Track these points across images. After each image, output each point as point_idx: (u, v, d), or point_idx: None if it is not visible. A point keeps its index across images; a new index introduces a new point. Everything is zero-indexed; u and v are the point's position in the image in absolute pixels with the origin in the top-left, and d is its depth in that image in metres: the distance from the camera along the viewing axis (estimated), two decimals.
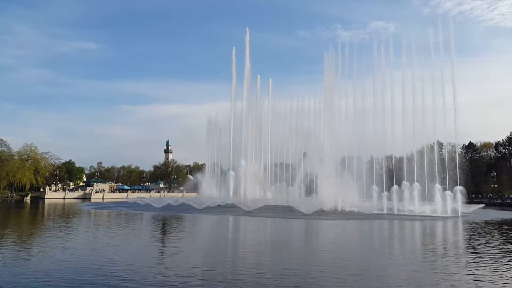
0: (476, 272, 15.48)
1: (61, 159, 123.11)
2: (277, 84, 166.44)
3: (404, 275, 15.31)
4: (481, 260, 18.30)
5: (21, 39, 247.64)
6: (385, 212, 53.25)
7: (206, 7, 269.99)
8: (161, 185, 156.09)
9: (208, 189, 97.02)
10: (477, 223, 39.14)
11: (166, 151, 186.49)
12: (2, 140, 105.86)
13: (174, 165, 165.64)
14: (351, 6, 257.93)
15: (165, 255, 20.28)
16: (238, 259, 19.07)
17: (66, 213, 53.12)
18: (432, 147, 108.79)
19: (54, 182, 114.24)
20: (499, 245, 23.99)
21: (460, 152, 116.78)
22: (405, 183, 59.03)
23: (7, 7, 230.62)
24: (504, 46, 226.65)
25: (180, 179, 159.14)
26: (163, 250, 22.11)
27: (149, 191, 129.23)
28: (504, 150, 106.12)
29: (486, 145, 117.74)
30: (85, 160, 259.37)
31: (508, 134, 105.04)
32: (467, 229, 34.42)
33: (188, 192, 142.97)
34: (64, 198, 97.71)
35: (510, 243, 25.13)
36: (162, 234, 30.47)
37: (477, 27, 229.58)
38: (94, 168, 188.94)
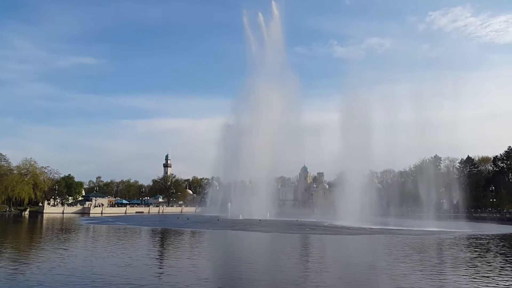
0: None
1: (60, 174, 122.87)
2: None
3: None
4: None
5: (22, 54, 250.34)
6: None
7: (205, 23, 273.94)
8: (160, 200, 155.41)
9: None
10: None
11: (165, 165, 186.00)
12: (1, 154, 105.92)
13: (173, 179, 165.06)
14: (347, 23, 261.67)
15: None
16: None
17: (64, 228, 52.92)
18: (430, 162, 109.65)
19: (53, 197, 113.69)
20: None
21: (458, 167, 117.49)
22: None
23: (8, 22, 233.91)
24: (498, 62, 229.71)
25: (179, 193, 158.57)
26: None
27: (148, 206, 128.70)
28: (502, 165, 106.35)
29: (484, 160, 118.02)
30: (84, 175, 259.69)
31: (506, 149, 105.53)
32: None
33: (187, 206, 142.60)
34: (63, 213, 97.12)
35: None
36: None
37: (472, 43, 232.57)
38: (93, 182, 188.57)
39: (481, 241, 36.79)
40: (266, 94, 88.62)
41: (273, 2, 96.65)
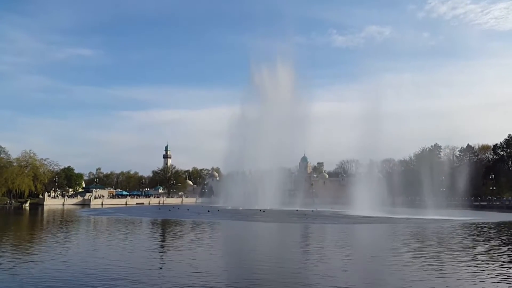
0: None
1: (60, 166, 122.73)
2: None
3: None
4: None
5: (18, 47, 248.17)
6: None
7: (203, 14, 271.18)
8: (160, 191, 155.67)
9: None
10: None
11: (165, 156, 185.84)
12: (0, 147, 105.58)
13: (173, 170, 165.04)
14: (346, 11, 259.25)
15: None
16: None
17: (65, 220, 52.82)
18: (430, 150, 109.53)
19: (53, 189, 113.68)
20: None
21: (458, 155, 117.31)
22: None
23: (3, 14, 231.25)
24: (499, 50, 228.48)
25: (179, 184, 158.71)
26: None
27: (148, 197, 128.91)
28: (502, 153, 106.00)
29: (484, 148, 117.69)
30: (84, 166, 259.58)
31: (506, 137, 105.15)
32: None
33: (187, 197, 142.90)
34: (63, 205, 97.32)
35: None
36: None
37: (472, 31, 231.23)
38: (93, 174, 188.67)
39: (483, 229, 36.76)
40: (272, 85, 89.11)
41: (279, 66, 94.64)
